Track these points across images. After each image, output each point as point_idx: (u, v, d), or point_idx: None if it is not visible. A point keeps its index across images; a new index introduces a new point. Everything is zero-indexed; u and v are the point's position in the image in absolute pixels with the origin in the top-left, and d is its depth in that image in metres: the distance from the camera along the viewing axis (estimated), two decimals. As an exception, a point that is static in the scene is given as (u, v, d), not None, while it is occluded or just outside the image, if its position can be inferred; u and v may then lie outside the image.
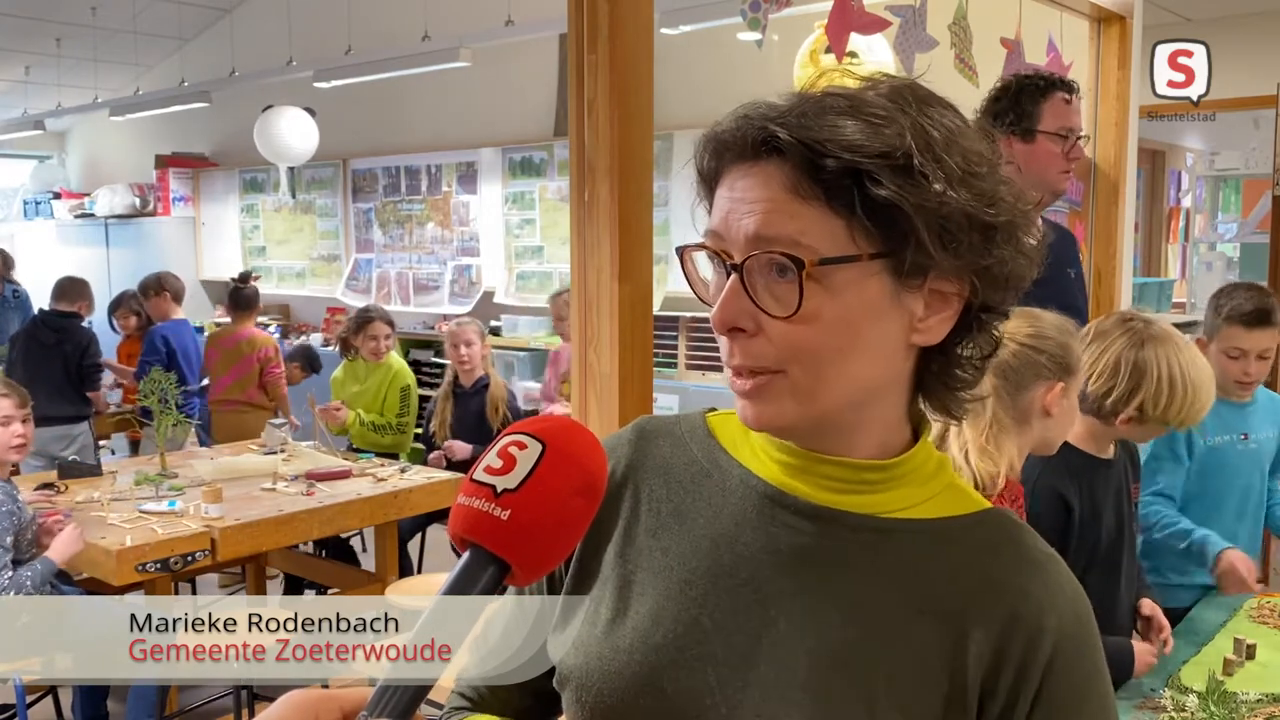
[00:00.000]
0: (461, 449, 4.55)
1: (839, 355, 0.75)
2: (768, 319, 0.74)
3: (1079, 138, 2.46)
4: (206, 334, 6.16)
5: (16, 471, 3.55)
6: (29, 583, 3.07)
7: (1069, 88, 2.46)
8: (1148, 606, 2.09)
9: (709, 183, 0.80)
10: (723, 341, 0.77)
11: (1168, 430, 2.06)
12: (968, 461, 1.57)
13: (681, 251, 0.80)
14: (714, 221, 0.77)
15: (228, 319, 6.50)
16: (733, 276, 0.75)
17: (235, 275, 5.99)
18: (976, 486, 1.43)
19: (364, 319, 4.88)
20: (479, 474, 0.71)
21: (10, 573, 3.05)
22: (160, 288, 5.79)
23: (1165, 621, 2.10)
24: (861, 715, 0.74)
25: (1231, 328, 2.57)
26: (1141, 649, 1.97)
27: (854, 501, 0.80)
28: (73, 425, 5.36)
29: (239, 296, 5.62)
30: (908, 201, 0.71)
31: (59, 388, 5.20)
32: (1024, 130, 2.39)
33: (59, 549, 3.18)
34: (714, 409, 0.92)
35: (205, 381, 5.71)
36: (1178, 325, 2.69)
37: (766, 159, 0.74)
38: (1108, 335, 2.01)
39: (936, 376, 0.81)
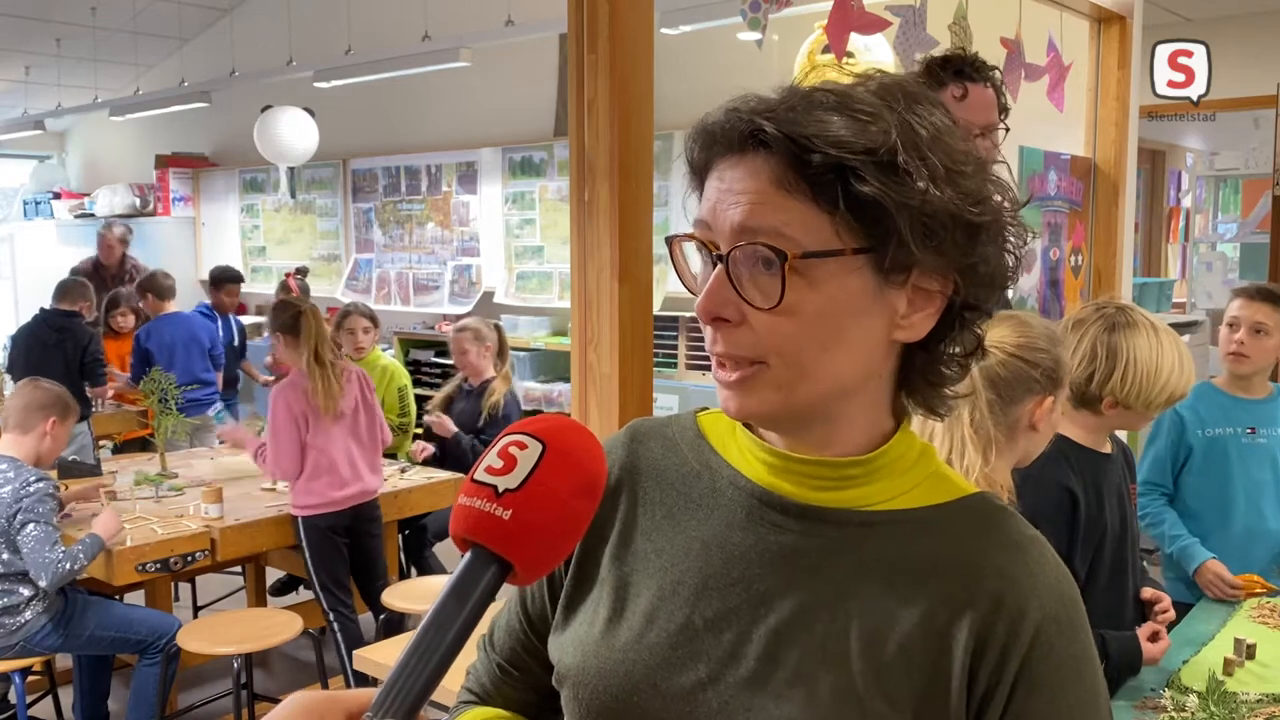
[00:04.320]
0: (444, 429, 4.51)
1: (820, 348, 0.75)
2: (751, 310, 0.75)
3: (978, 134, 2.05)
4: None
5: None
6: (82, 555, 3.14)
7: (967, 78, 2.05)
8: (1148, 592, 2.09)
9: (699, 174, 0.80)
10: (707, 330, 0.78)
11: (1151, 417, 2.07)
12: None
13: (671, 241, 0.81)
14: (703, 211, 0.78)
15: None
16: (718, 267, 0.76)
17: (298, 269, 7.12)
18: None
19: (343, 313, 4.94)
20: (480, 474, 0.71)
21: (63, 547, 3.13)
22: (147, 288, 5.90)
23: (1163, 595, 2.10)
24: (850, 707, 0.75)
25: (1233, 300, 2.80)
26: (1149, 646, 1.97)
27: (838, 497, 0.81)
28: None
29: (305, 286, 6.77)
30: (890, 198, 0.72)
31: (59, 386, 5.20)
32: None
33: (103, 526, 3.26)
34: (705, 408, 0.92)
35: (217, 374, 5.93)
36: (1177, 325, 2.73)
37: (754, 152, 0.75)
38: (1085, 323, 2.03)
39: (920, 373, 0.82)
